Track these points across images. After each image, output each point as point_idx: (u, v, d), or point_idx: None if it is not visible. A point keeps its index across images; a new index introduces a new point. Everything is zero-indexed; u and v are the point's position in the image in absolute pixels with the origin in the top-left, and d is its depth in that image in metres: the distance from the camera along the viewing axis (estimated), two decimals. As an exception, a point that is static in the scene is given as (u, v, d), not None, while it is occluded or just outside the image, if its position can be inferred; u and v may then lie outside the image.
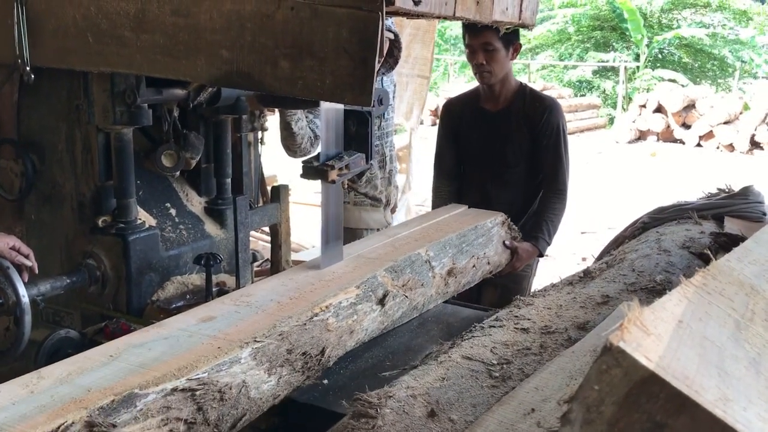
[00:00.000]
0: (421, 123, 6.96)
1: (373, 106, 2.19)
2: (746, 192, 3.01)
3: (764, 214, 2.85)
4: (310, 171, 2.19)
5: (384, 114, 3.41)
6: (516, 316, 1.92)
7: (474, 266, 2.62)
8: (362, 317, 1.99)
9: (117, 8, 1.98)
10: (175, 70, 1.99)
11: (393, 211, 3.80)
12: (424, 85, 6.50)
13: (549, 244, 3.13)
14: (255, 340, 1.64)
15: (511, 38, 2.97)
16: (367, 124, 2.28)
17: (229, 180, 2.84)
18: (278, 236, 2.77)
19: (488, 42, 2.95)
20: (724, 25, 19.58)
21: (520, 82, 3.21)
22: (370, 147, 2.30)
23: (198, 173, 2.85)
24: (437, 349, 1.79)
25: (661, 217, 3.00)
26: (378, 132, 3.39)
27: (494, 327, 1.85)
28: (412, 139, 6.79)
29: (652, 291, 2.06)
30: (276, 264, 2.78)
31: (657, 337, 0.84)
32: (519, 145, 3.12)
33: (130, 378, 1.44)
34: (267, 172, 4.32)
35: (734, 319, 1.07)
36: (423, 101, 6.61)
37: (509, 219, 2.91)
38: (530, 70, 19.31)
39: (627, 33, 18.69)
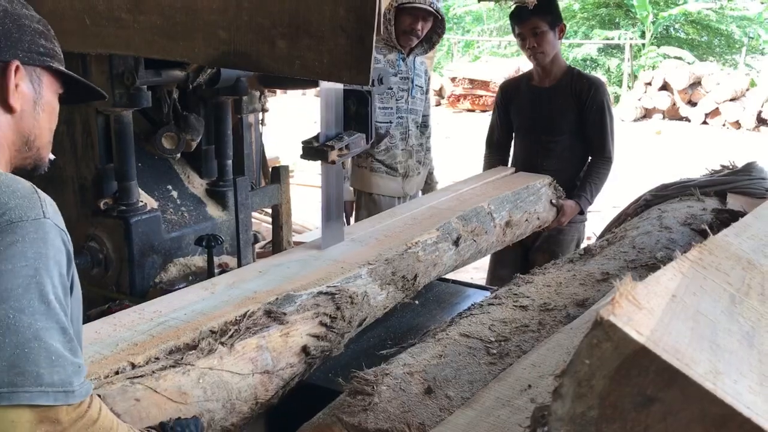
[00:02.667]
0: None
1: (373, 85, 2.19)
2: (749, 168, 3.00)
3: (767, 190, 2.84)
4: (310, 152, 2.18)
5: (410, 90, 3.55)
6: (515, 294, 1.93)
7: (527, 220, 3.02)
8: (442, 254, 2.39)
9: (113, -11, 1.97)
10: (172, 52, 1.98)
11: (429, 189, 3.79)
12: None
13: (590, 203, 3.46)
14: (368, 263, 2.07)
15: (555, 20, 3.26)
16: (367, 103, 2.26)
17: (230, 161, 2.83)
18: (279, 217, 2.77)
19: (536, 26, 3.22)
20: (731, -1, 19.31)
21: (569, 64, 3.50)
22: (370, 127, 2.29)
23: (199, 155, 2.84)
24: (435, 327, 1.79)
25: (663, 194, 3.01)
26: (405, 105, 3.53)
27: (493, 305, 1.85)
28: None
29: (653, 268, 2.05)
30: (278, 245, 2.78)
31: (649, 311, 0.84)
32: (565, 117, 3.38)
33: (283, 285, 1.88)
34: (269, 153, 4.32)
35: (729, 293, 1.06)
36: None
37: (554, 181, 3.30)
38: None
39: (632, 10, 18.45)
